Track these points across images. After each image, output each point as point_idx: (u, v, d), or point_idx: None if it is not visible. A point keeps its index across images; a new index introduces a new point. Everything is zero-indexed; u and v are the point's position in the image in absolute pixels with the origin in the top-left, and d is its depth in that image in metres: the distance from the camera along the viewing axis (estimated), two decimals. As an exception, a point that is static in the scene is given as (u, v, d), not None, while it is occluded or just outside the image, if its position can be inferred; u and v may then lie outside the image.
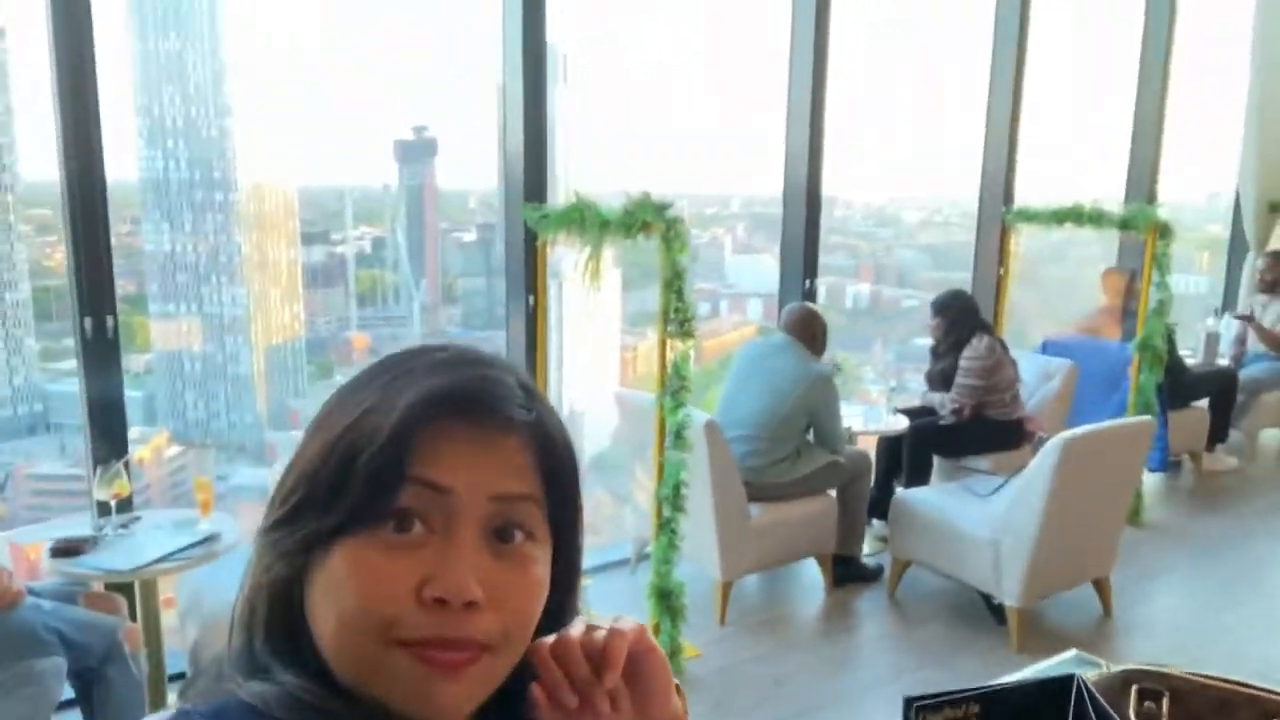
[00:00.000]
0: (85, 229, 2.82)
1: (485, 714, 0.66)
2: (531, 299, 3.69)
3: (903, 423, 4.31)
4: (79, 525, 2.81)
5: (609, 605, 3.65)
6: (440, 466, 0.60)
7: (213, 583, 2.87)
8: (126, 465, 2.84)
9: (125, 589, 2.76)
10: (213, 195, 8.30)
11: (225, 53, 8.18)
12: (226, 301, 8.44)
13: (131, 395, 7.99)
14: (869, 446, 4.32)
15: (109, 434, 2.98)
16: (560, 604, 0.70)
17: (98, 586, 2.68)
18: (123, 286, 7.98)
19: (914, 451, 4.29)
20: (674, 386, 3.20)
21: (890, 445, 4.41)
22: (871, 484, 4.16)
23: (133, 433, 8.26)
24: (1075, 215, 4.67)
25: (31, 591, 2.47)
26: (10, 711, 2.28)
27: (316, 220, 9.40)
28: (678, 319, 3.18)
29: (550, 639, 0.64)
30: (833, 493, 3.91)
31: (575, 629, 0.65)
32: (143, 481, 7.33)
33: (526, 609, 0.64)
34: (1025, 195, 5.39)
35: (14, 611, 2.35)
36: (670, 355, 3.21)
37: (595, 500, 5.55)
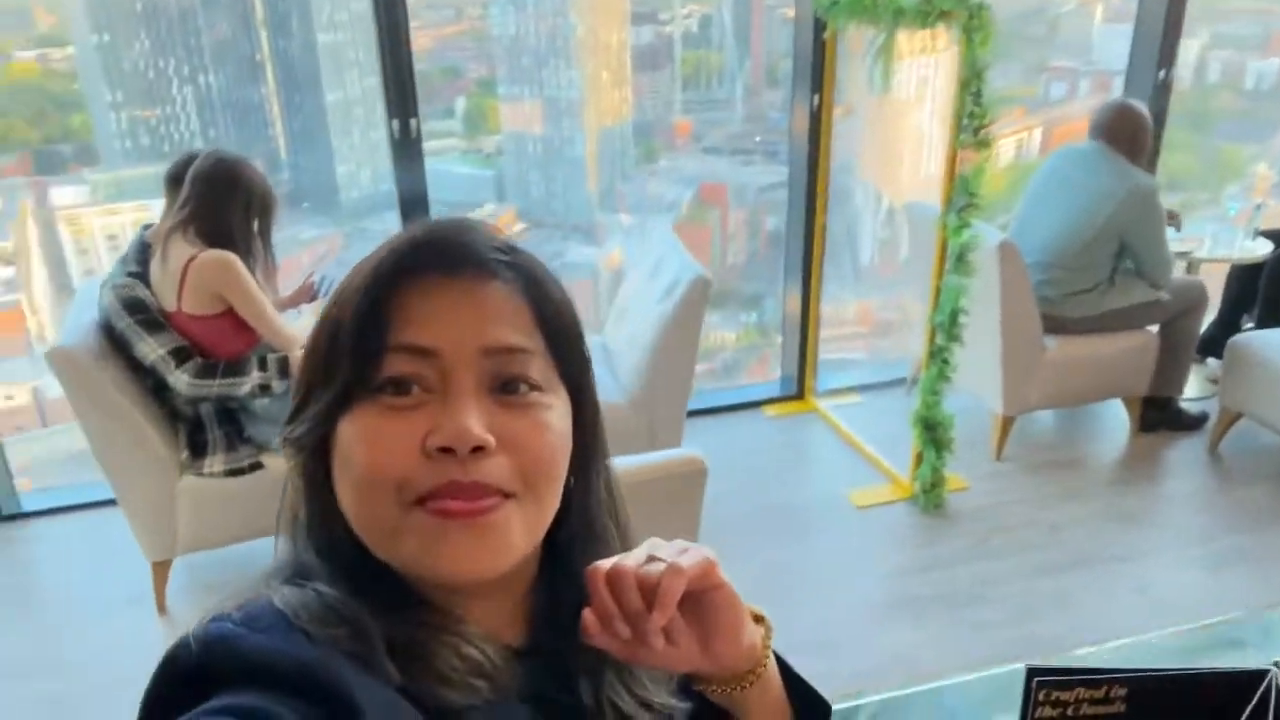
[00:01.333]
0: (390, 43, 3.02)
1: (544, 634, 0.66)
2: (816, 98, 3.42)
3: (1264, 248, 3.57)
4: None
5: (876, 425, 3.56)
6: (420, 328, 0.59)
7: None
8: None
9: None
10: (549, -27, 8.38)
11: None
12: (564, 84, 8.78)
13: (482, 174, 8.74)
14: (1217, 277, 3.66)
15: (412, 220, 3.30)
16: (585, 462, 0.67)
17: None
18: (474, 70, 8.56)
19: (1272, 284, 3.56)
20: (960, 203, 2.88)
21: (1244, 274, 3.69)
22: (1210, 319, 3.55)
23: (484, 209, 9.08)
24: None
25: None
26: None
27: (646, -1, 9.22)
28: (972, 125, 2.81)
29: (606, 564, 0.61)
30: (1154, 327, 3.40)
31: (635, 556, 0.61)
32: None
33: (542, 452, 0.61)
34: None
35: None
36: (959, 167, 2.87)
37: (889, 311, 5.32)
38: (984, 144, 2.83)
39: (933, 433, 3.08)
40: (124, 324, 2.48)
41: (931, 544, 3.01)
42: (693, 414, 3.66)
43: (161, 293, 2.51)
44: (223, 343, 2.56)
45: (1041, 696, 0.86)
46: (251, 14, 6.79)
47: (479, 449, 0.57)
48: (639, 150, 9.05)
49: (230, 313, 2.52)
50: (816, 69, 3.36)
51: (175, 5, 7.47)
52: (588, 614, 0.60)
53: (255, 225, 2.57)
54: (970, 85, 2.77)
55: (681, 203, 8.47)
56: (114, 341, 2.51)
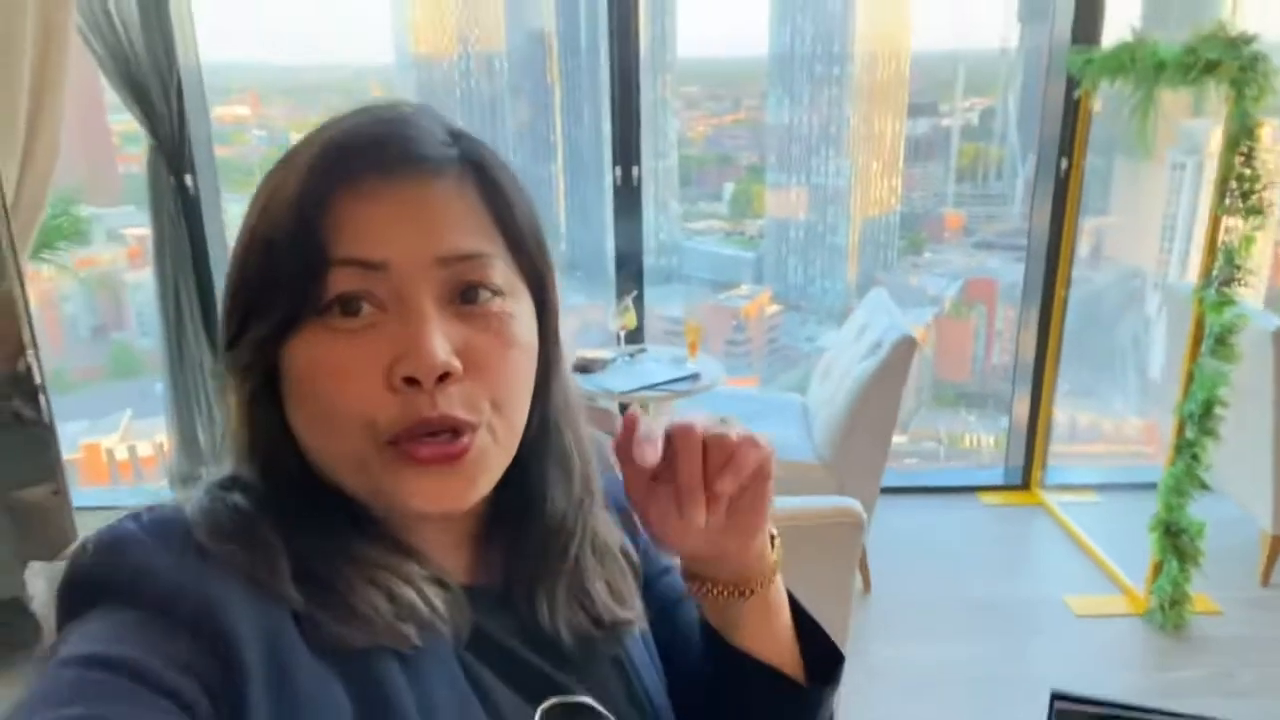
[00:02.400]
0: (620, 94, 3.19)
1: (499, 562, 0.64)
2: (1065, 162, 3.16)
3: None
4: (604, 350, 3.31)
5: (1112, 529, 3.14)
6: (365, 238, 0.53)
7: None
8: (636, 300, 3.22)
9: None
10: (830, 69, 8.64)
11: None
12: (831, 173, 8.84)
13: (743, 256, 8.89)
14: None
15: (626, 271, 3.40)
16: (546, 369, 0.62)
17: (601, 403, 3.14)
18: (746, 157, 8.81)
19: None
20: (1223, 276, 2.52)
21: None
22: None
23: (741, 289, 9.20)
24: None
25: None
26: None
27: (925, 90, 9.26)
28: (1240, 189, 2.47)
29: (678, 422, 0.57)
30: None
31: (704, 418, 0.58)
32: (744, 334, 8.21)
33: (512, 374, 0.57)
34: None
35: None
36: (1223, 236, 2.52)
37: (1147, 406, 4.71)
38: (1254, 211, 2.47)
39: (1175, 540, 2.65)
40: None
41: (1164, 668, 2.57)
42: (901, 490, 3.43)
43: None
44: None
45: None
46: (550, 101, 7.45)
47: (446, 376, 0.53)
48: (904, 241, 8.84)
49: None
50: (1067, 131, 3.12)
51: (489, 93, 8.42)
52: (621, 435, 0.57)
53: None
54: (1240, 144, 2.45)
55: (945, 297, 8.14)
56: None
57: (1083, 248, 3.44)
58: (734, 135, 8.80)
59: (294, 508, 0.56)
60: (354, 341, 0.53)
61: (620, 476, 0.61)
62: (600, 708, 0.64)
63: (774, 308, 9.09)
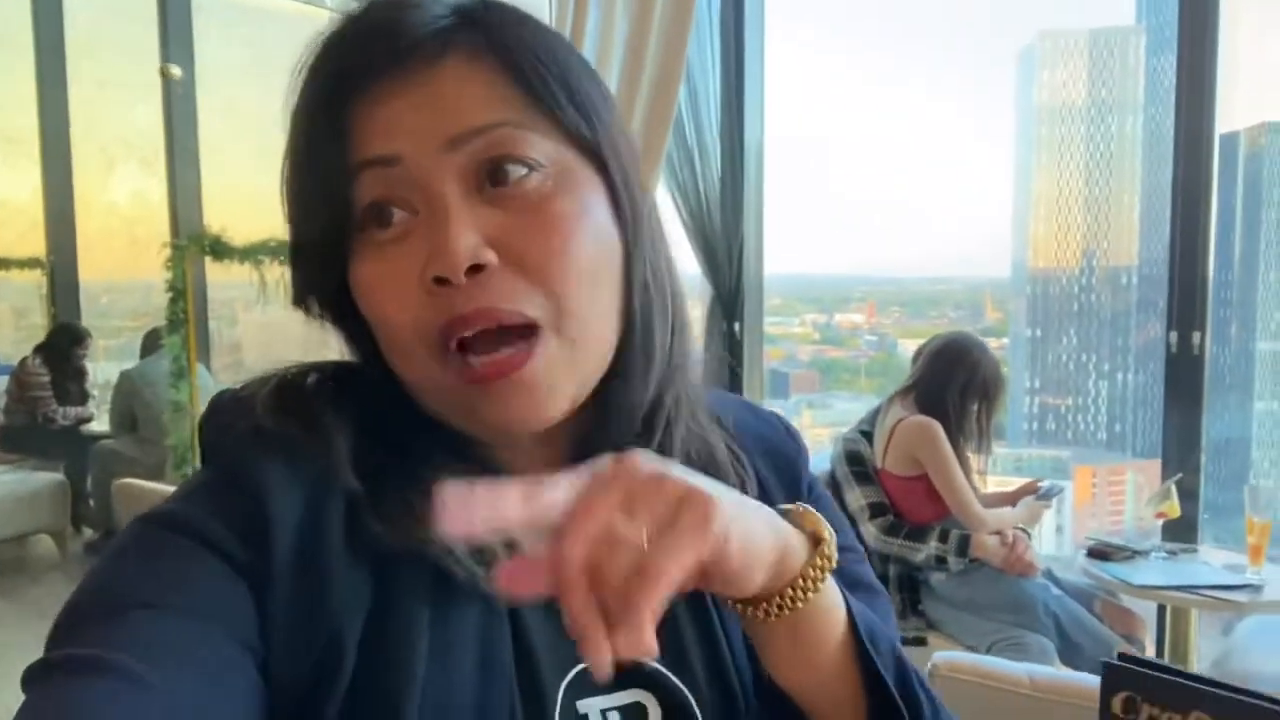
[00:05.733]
0: (1183, 254, 2.80)
1: None
2: None
3: None
4: (1128, 538, 2.78)
5: None
6: (376, 136, 0.50)
7: (1249, 643, 2.43)
8: (1180, 486, 2.66)
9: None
10: None
11: None
12: None
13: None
14: None
15: (1178, 452, 2.84)
16: (627, 257, 0.54)
17: (1127, 602, 2.60)
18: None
19: None
20: None
21: None
22: None
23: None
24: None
25: (1050, 575, 2.61)
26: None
27: None
28: None
29: (559, 507, 0.41)
30: None
31: (597, 508, 0.40)
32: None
33: (566, 260, 0.50)
34: None
35: (1025, 581, 2.53)
36: None
37: None
38: None
39: None
40: (841, 471, 2.76)
41: None
42: None
43: (876, 449, 2.73)
44: (914, 506, 2.61)
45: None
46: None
47: (477, 268, 0.49)
48: None
49: (925, 478, 2.58)
50: None
51: (1110, 308, 7.88)
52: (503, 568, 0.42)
53: (975, 406, 2.61)
54: None
55: None
56: (834, 487, 2.81)
57: None
58: None
59: (375, 397, 0.55)
60: (392, 253, 0.51)
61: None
62: (669, 673, 0.57)
63: None
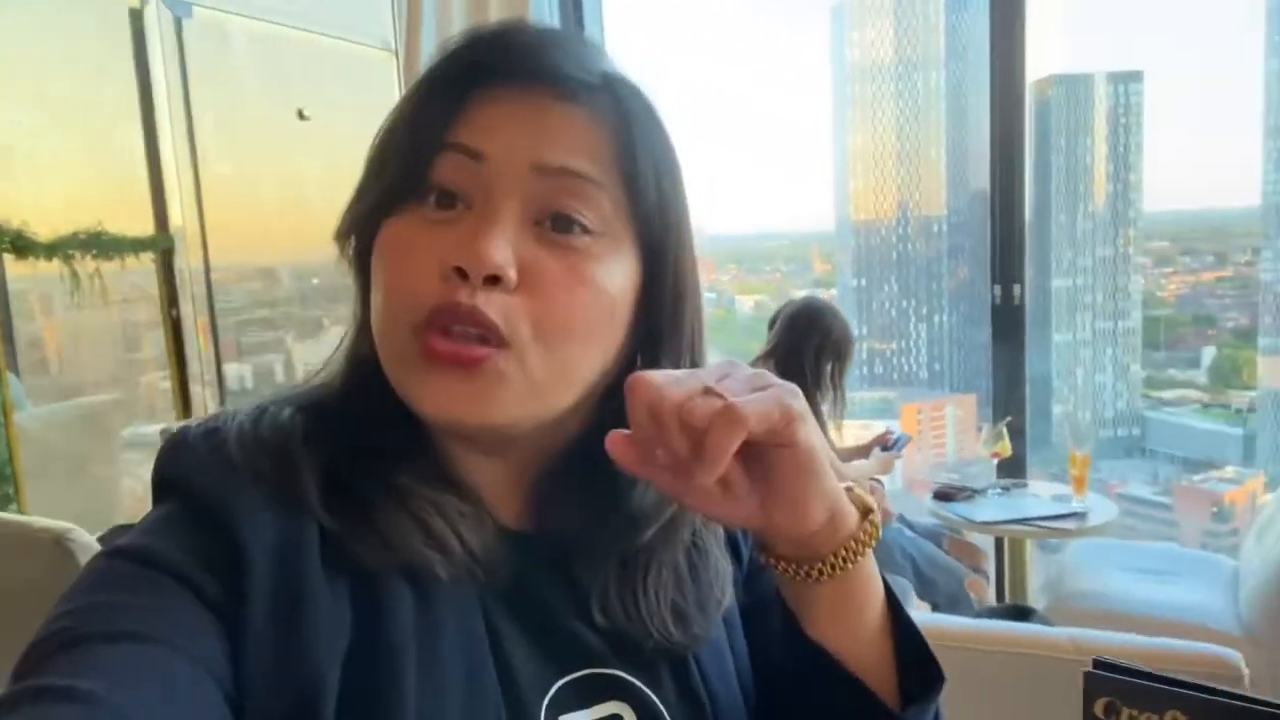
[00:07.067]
0: (1002, 210, 3.02)
1: (549, 516, 0.60)
2: None
3: None
4: (950, 465, 3.00)
5: None
6: (475, 129, 0.54)
7: (1077, 565, 2.70)
8: (1010, 428, 2.90)
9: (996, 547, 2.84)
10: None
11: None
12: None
13: (1228, 432, 7.57)
14: None
15: (1004, 395, 3.09)
16: (657, 343, 0.58)
17: (969, 536, 2.83)
18: (1233, 319, 7.61)
19: None
20: None
21: None
22: None
23: (1226, 472, 7.83)
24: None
25: (903, 519, 2.79)
26: None
27: None
28: None
29: (650, 380, 0.46)
30: None
31: (686, 384, 0.46)
32: (1227, 524, 6.89)
33: (571, 311, 0.53)
34: None
35: (882, 528, 2.70)
36: None
37: None
38: None
39: None
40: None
41: None
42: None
43: (740, 414, 2.81)
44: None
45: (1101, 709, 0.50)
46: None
47: (495, 279, 0.51)
48: None
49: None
50: None
51: (924, 255, 8.40)
52: (615, 434, 0.48)
53: (829, 366, 2.73)
54: None
55: None
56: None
57: None
58: (1217, 294, 7.67)
59: (347, 429, 0.56)
60: (432, 230, 0.54)
61: None
62: (641, 685, 0.58)
63: (1268, 496, 7.54)
